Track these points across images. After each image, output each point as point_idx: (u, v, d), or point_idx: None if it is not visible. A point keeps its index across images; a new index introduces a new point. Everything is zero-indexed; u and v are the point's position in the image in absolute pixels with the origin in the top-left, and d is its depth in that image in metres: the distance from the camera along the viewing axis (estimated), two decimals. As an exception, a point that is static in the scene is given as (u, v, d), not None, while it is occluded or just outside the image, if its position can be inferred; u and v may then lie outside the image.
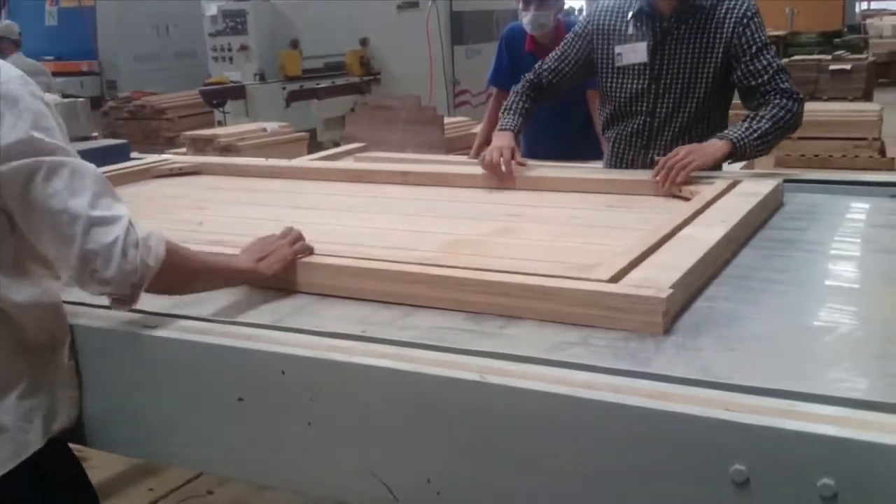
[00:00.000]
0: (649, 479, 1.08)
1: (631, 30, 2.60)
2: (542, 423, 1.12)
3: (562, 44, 2.86)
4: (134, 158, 3.02)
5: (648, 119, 2.63)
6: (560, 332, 1.34)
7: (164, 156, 3.22)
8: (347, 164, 3.06)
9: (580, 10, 12.29)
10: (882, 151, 6.10)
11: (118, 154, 2.95)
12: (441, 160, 3.73)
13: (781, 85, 2.44)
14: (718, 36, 2.50)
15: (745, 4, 2.50)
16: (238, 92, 7.63)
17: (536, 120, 4.07)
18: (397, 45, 7.77)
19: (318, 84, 7.89)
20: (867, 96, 7.22)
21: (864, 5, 20.67)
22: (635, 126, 2.67)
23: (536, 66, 2.95)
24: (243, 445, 1.37)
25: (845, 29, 11.73)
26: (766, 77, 2.45)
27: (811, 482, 0.97)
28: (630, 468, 1.09)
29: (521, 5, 3.86)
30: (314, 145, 5.93)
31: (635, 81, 2.62)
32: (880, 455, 0.95)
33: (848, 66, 7.10)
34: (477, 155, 4.20)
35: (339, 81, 7.97)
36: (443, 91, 7.47)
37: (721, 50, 2.49)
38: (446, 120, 5.66)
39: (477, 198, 2.34)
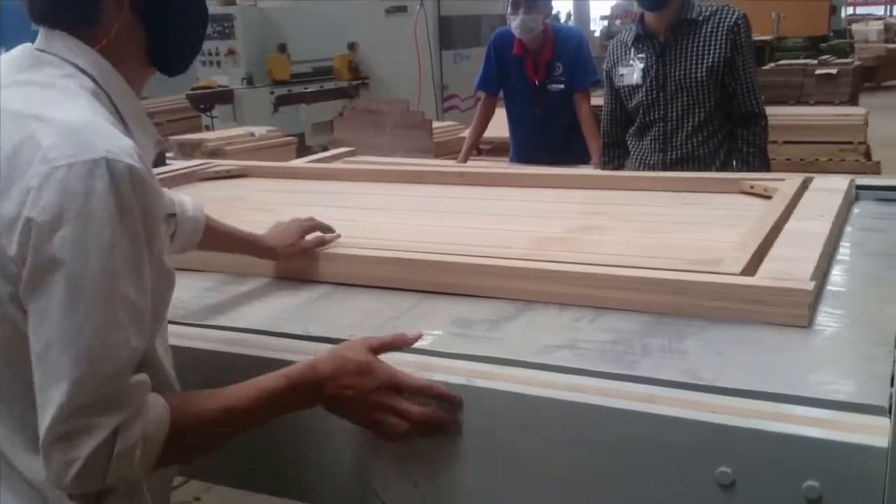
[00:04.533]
0: (637, 481, 1.08)
1: (633, 53, 3.03)
2: (528, 426, 1.13)
3: (604, 100, 3.25)
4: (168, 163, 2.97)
5: (662, 124, 3.00)
6: (547, 336, 1.35)
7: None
8: (398, 165, 3.06)
9: (568, 15, 12.32)
10: (868, 155, 6.13)
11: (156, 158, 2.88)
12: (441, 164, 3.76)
13: (751, 105, 2.94)
14: (713, 44, 2.90)
15: (736, 15, 2.91)
16: (226, 96, 7.60)
17: (524, 125, 4.12)
18: (385, 50, 7.75)
19: (306, 88, 7.87)
20: (853, 100, 7.26)
21: (850, 10, 20.83)
22: (654, 133, 3.03)
23: (603, 127, 3.30)
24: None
25: (831, 34, 11.80)
26: (743, 90, 2.93)
27: (796, 484, 0.97)
28: (617, 471, 1.09)
29: (509, 9, 3.88)
30: (302, 150, 5.92)
31: (647, 95, 2.99)
32: (865, 457, 0.95)
33: (834, 71, 7.14)
34: (465, 159, 4.23)
35: (328, 86, 7.95)
36: (431, 96, 7.47)
37: (716, 56, 2.89)
38: (434, 124, 5.66)
39: (540, 197, 2.30)
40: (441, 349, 1.30)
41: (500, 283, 1.51)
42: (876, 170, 6.24)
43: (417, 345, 1.30)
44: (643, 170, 3.03)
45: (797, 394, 1.07)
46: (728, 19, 2.91)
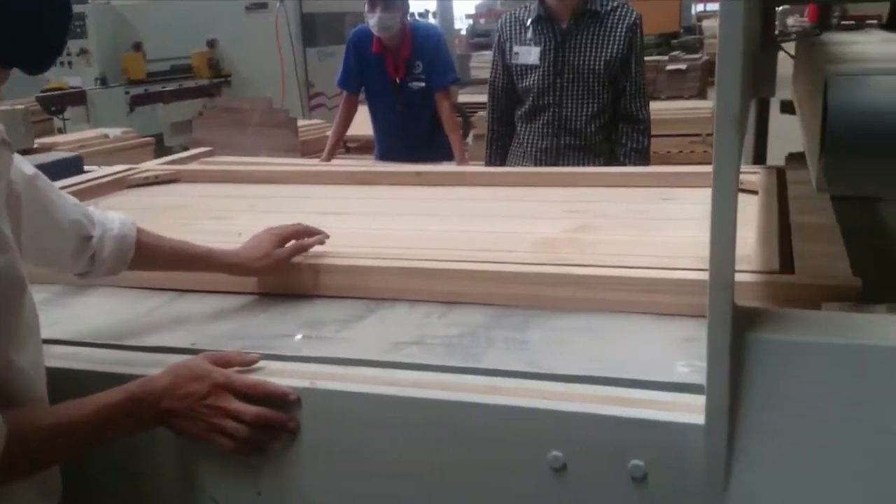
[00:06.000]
0: (477, 471, 1.11)
1: (530, 34, 3.05)
2: (372, 425, 1.14)
3: (491, 72, 3.25)
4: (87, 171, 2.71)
5: (557, 110, 3.05)
6: (396, 333, 1.36)
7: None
8: (352, 165, 2.94)
9: (434, 14, 12.41)
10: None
11: (72, 168, 2.66)
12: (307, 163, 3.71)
13: (636, 108, 3.04)
14: (613, 39, 2.99)
15: (635, 14, 3.03)
16: (78, 98, 7.26)
17: (386, 123, 4.14)
18: (247, 47, 7.60)
19: (164, 87, 7.61)
20: (701, 94, 7.64)
21: (701, 7, 21.84)
22: (547, 117, 3.07)
23: (489, 93, 3.29)
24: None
25: (682, 30, 12.36)
26: (631, 90, 3.03)
27: (622, 464, 1.02)
28: (459, 462, 1.11)
29: (366, 7, 3.87)
30: (161, 150, 5.73)
31: (543, 79, 3.03)
32: (686, 434, 1.01)
33: (683, 66, 7.49)
34: (329, 158, 4.20)
35: (187, 84, 7.72)
36: (295, 94, 7.38)
37: (615, 51, 2.98)
38: (300, 123, 5.61)
39: (514, 196, 2.20)
40: (287, 353, 1.30)
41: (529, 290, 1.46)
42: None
43: (267, 350, 1.30)
44: (533, 153, 3.11)
45: (623, 377, 1.12)
46: (628, 18, 2.99)
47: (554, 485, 1.05)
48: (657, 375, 1.14)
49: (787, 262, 1.40)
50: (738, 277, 1.30)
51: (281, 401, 1.16)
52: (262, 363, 1.25)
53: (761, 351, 0.91)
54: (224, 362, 1.20)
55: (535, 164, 3.09)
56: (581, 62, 2.99)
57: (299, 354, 1.28)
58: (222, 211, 2.16)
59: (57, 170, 2.48)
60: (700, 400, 1.01)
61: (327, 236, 1.62)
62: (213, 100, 7.31)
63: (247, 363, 1.23)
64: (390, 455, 1.14)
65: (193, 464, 1.24)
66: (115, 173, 2.56)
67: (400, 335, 1.35)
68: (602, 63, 2.97)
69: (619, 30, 2.97)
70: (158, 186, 2.55)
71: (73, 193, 2.24)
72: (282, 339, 1.36)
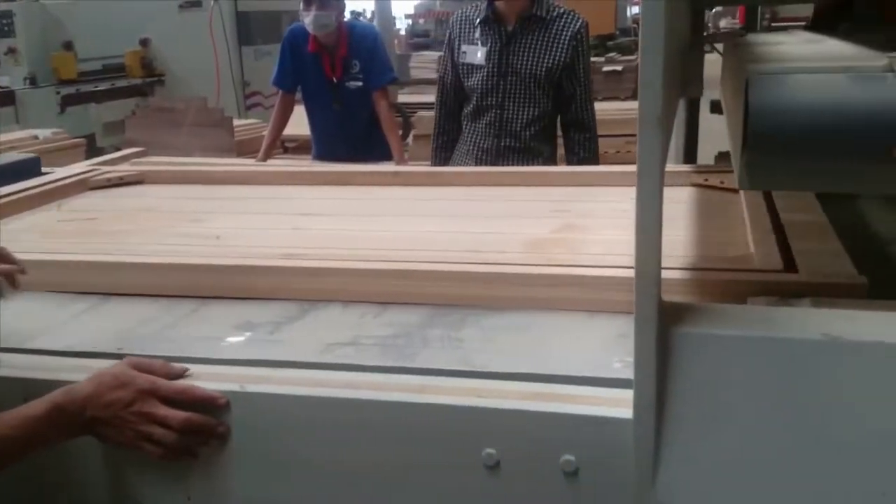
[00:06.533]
0: (411, 471, 1.10)
1: (478, 34, 3.08)
2: (303, 427, 1.12)
3: (440, 68, 3.31)
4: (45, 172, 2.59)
5: (499, 111, 3.08)
6: (330, 334, 1.35)
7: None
8: (312, 165, 2.88)
9: (372, 14, 12.36)
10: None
11: (30, 169, 2.53)
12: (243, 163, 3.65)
13: (587, 116, 3.10)
14: (557, 46, 3.02)
15: (580, 22, 3.05)
16: (6, 98, 7.04)
17: (324, 122, 4.11)
18: (181, 46, 7.46)
19: (96, 87, 7.44)
20: (636, 95, 7.74)
21: (636, 9, 22.22)
22: (489, 118, 3.09)
23: (438, 89, 3.31)
24: None
25: (618, 32, 12.53)
26: (581, 96, 3.08)
27: (554, 459, 1.03)
28: (393, 463, 1.11)
29: (301, 6, 3.84)
30: (93, 151, 5.59)
31: (487, 80, 3.06)
32: (616, 429, 1.02)
33: (620, 68, 7.58)
34: (265, 158, 4.15)
35: (120, 84, 7.55)
36: (231, 93, 7.28)
37: (559, 58, 3.01)
38: (236, 122, 5.52)
39: (491, 196, 2.18)
40: (218, 356, 1.27)
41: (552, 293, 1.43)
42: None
43: (197, 353, 1.28)
44: (475, 153, 3.14)
45: (556, 373, 1.13)
46: (573, 25, 3.03)
47: (487, 482, 1.06)
48: (590, 371, 1.15)
49: (788, 261, 1.40)
50: (743, 276, 1.33)
51: (210, 405, 1.14)
52: (191, 367, 1.22)
53: (687, 345, 0.93)
54: (148, 369, 1.17)
55: (477, 164, 3.11)
56: (524, 66, 3.02)
57: (229, 357, 1.26)
58: (196, 213, 2.11)
59: (15, 171, 2.43)
60: (630, 395, 1.02)
61: (23, 271, 1.46)
62: (146, 99, 7.16)
63: (171, 376, 1.19)
64: (323, 457, 1.13)
65: (121, 470, 1.21)
66: (78, 174, 2.48)
67: (334, 336, 1.34)
68: (544, 69, 3.01)
69: (563, 37, 3.01)
70: (123, 188, 2.48)
71: (36, 196, 2.25)
72: (212, 342, 1.34)
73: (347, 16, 4.28)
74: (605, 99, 7.51)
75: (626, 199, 2.00)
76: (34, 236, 1.89)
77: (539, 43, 3.02)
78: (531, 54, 3.02)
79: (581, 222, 1.86)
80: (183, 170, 2.67)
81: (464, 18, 3.18)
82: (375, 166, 3.11)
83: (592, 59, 8.55)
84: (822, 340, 0.88)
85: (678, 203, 1.96)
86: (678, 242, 1.62)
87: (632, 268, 0.89)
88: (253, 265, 1.54)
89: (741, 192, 1.86)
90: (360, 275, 1.48)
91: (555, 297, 1.40)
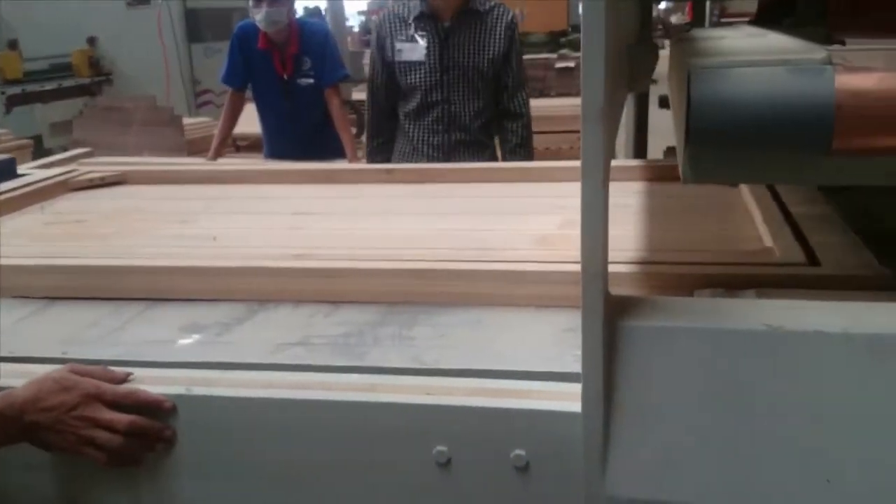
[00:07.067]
0: (362, 471, 1.10)
1: (413, 30, 3.08)
2: (253, 429, 1.11)
3: (370, 69, 3.25)
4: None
5: (446, 106, 3.10)
6: (280, 334, 1.34)
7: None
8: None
9: (325, 11, 12.25)
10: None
11: (5, 171, 2.44)
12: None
13: (518, 104, 3.15)
14: (494, 38, 3.08)
15: (511, 14, 3.13)
16: (-51, 99, 6.88)
17: (275, 120, 4.07)
18: (129, 44, 7.35)
19: (42, 87, 7.29)
20: (590, 91, 7.77)
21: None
22: (437, 114, 3.11)
23: (369, 90, 3.29)
24: None
25: (570, 28, 12.61)
26: (513, 85, 3.13)
27: (505, 455, 1.03)
28: (345, 463, 1.10)
29: (251, 2, 3.80)
30: (40, 152, 5.48)
31: (430, 76, 3.07)
32: (565, 422, 1.02)
33: (572, 64, 7.61)
34: (215, 156, 4.10)
35: (67, 83, 7.41)
36: (181, 91, 7.19)
37: (497, 49, 3.07)
38: (186, 121, 5.45)
39: (492, 193, 2.13)
40: (165, 359, 1.25)
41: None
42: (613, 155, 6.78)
43: (143, 356, 1.25)
44: (426, 150, 3.15)
45: (507, 368, 1.13)
46: (505, 16, 3.11)
47: (439, 480, 1.05)
48: (541, 366, 1.15)
49: (810, 253, 1.38)
50: (769, 271, 1.30)
51: (155, 409, 1.12)
52: (137, 371, 1.20)
53: (633, 338, 0.93)
54: (89, 374, 1.15)
55: (428, 161, 3.10)
56: (466, 60, 3.07)
57: (177, 360, 1.24)
58: (185, 214, 2.06)
59: None
60: (574, 388, 1.02)
61: None
62: (94, 99, 7.04)
63: (114, 381, 1.16)
64: (272, 459, 1.12)
65: (66, 475, 1.18)
66: (57, 175, 2.41)
67: (283, 336, 1.32)
68: (486, 61, 3.06)
69: (498, 28, 3.09)
70: (105, 189, 2.41)
71: (16, 199, 2.18)
72: (160, 345, 1.31)
73: (301, 13, 4.24)
74: (558, 95, 7.56)
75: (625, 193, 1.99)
76: (23, 240, 1.82)
77: (477, 36, 3.08)
78: (471, 48, 3.07)
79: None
80: (165, 169, 2.62)
81: (394, 17, 3.16)
82: (366, 165, 3.08)
83: (545, 55, 8.63)
84: (763, 330, 0.89)
85: (669, 198, 1.95)
86: (687, 237, 1.61)
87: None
88: (266, 267, 1.50)
89: (742, 185, 1.83)
90: (373, 275, 1.47)
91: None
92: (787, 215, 1.61)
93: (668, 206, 1.89)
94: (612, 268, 1.30)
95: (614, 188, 1.57)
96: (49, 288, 1.54)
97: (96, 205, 2.22)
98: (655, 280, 1.33)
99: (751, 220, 1.67)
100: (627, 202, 1.91)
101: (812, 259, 1.35)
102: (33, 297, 1.55)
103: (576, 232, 0.90)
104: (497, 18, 3.09)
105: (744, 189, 1.83)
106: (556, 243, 1.61)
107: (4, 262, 1.58)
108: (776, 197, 1.73)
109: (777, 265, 1.34)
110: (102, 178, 2.46)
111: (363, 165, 2.97)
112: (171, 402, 1.12)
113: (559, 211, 1.85)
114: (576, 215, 0.89)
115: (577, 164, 0.88)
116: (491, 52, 3.06)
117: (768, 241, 1.48)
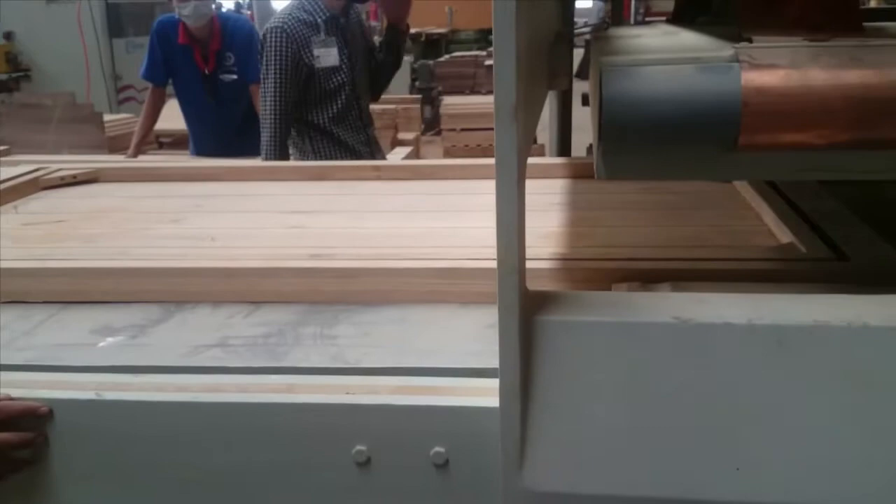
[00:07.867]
0: (280, 472, 1.08)
1: (323, 35, 3.04)
2: (164, 434, 1.08)
3: (274, 73, 3.00)
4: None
5: (357, 102, 3.17)
6: (197, 336, 1.31)
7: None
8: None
9: (248, 6, 12.09)
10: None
11: None
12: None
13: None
14: (362, 26, 3.28)
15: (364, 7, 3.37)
16: None
17: (199, 116, 3.99)
18: (48, 39, 7.11)
19: (-44, 84, 7.02)
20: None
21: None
22: (356, 112, 3.18)
23: (278, 109, 3.05)
24: None
25: (497, 26, 12.70)
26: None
27: (425, 452, 1.03)
28: (261, 465, 1.08)
29: (177, -3, 3.72)
30: (-47, 151, 5.26)
31: (348, 76, 3.10)
32: (484, 418, 1.02)
33: (501, 61, 7.67)
34: (136, 153, 4.01)
35: (-17, 80, 7.15)
36: (102, 87, 6.99)
37: (369, 37, 3.29)
38: (107, 117, 5.30)
39: (472, 189, 2.09)
40: (76, 363, 1.21)
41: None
42: (541, 151, 6.85)
43: (53, 360, 1.21)
44: (357, 147, 3.19)
45: (427, 366, 1.13)
46: (359, 12, 3.30)
47: (359, 479, 1.05)
48: (461, 362, 1.15)
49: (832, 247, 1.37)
50: (800, 267, 1.29)
51: (32, 416, 1.08)
52: (47, 376, 1.16)
53: (548, 332, 0.94)
54: None
55: (359, 159, 3.08)
56: (362, 53, 3.19)
57: (88, 364, 1.20)
58: (172, 213, 1.97)
59: None
60: (493, 384, 1.03)
61: None
62: (11, 96, 6.79)
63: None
64: (187, 463, 1.09)
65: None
66: (27, 173, 2.30)
67: (201, 338, 1.30)
68: (370, 50, 3.25)
69: (360, 18, 3.29)
70: (78, 187, 2.31)
71: None
72: (70, 349, 1.27)
73: (232, 8, 4.20)
74: (488, 92, 7.62)
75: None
76: (5, 242, 1.73)
77: (358, 28, 3.21)
78: (360, 40, 3.21)
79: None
80: (139, 167, 2.55)
81: (301, 24, 3.00)
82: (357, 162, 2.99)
83: (475, 52, 8.64)
84: (672, 323, 0.91)
85: (668, 193, 1.89)
86: (696, 234, 1.59)
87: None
88: (286, 267, 1.46)
89: (745, 181, 1.81)
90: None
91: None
92: (797, 210, 1.59)
93: (668, 202, 1.84)
94: (612, 265, 1.36)
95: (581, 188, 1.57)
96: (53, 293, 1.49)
97: (72, 204, 2.13)
98: (655, 278, 1.32)
99: (751, 215, 1.66)
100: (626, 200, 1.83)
101: (839, 254, 1.34)
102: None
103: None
104: (356, 13, 3.22)
105: (745, 185, 1.81)
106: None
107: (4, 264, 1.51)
108: (780, 193, 1.72)
109: (805, 260, 1.33)
110: (74, 176, 2.37)
111: (354, 162, 2.84)
112: (47, 408, 1.07)
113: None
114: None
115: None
116: (369, 41, 3.23)
117: (780, 238, 1.48)
